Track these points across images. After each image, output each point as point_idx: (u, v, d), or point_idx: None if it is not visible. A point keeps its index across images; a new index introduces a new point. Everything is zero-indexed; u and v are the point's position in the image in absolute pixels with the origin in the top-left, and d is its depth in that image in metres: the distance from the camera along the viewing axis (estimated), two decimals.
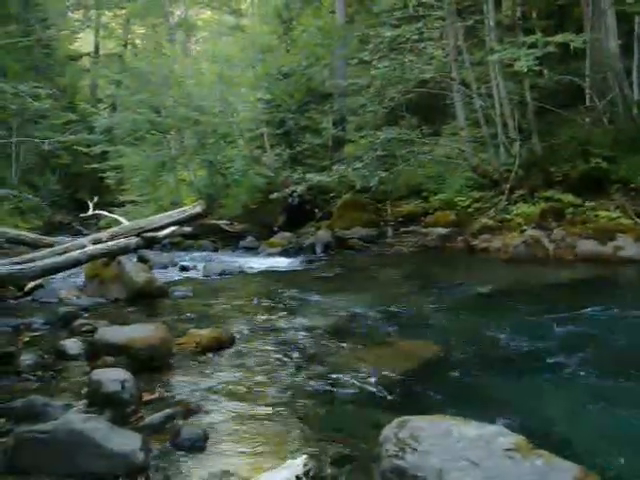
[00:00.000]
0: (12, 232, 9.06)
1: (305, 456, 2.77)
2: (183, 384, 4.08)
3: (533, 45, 10.78)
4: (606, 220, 10.09)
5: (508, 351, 4.79)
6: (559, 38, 10.59)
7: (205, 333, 5.06)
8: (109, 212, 14.79)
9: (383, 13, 14.33)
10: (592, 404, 3.61)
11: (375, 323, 5.97)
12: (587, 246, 9.59)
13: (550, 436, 3.11)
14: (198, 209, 9.16)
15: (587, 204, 10.68)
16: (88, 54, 33.28)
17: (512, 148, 12.52)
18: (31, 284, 7.59)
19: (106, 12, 32.88)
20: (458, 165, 13.76)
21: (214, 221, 16.13)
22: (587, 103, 12.66)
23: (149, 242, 8.66)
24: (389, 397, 3.80)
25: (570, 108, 12.85)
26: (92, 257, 7.46)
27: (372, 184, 13.07)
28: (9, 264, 6.74)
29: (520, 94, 12.60)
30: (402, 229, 13.44)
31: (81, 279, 8.26)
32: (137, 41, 34.02)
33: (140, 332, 4.65)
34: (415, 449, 2.26)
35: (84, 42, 33.07)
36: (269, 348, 4.96)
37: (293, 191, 14.14)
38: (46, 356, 4.75)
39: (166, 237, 9.33)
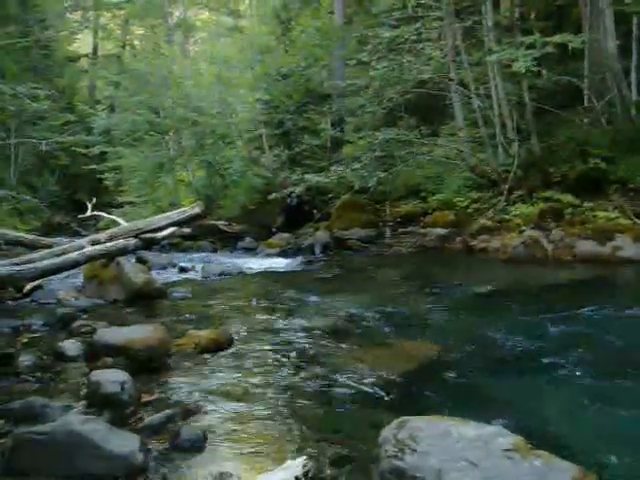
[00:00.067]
0: (11, 233, 9.05)
1: (304, 457, 2.77)
2: (182, 385, 4.08)
3: (531, 46, 10.78)
4: (605, 220, 10.10)
5: (507, 351, 4.80)
6: (557, 39, 10.60)
7: (204, 334, 5.06)
8: (108, 213, 14.81)
9: (382, 14, 14.36)
10: (591, 404, 3.62)
11: (374, 324, 5.97)
12: (586, 246, 9.60)
13: (549, 436, 3.11)
14: (197, 210, 9.18)
15: (586, 204, 10.69)
16: (87, 55, 33.26)
17: (511, 148, 12.53)
18: (30, 285, 7.59)
19: (105, 13, 32.85)
20: (456, 165, 13.76)
21: (213, 222, 16.14)
22: (585, 104, 12.67)
23: (148, 243, 8.66)
24: (388, 398, 3.80)
25: (568, 109, 12.87)
26: (91, 258, 7.46)
27: (371, 185, 13.07)
28: (8, 265, 6.74)
29: (518, 94, 12.61)
30: (401, 229, 13.44)
31: (80, 280, 8.25)
32: (136, 42, 33.98)
33: (139, 333, 4.65)
34: (414, 450, 2.26)
35: (82, 43, 33.06)
36: (268, 349, 4.96)
37: (292, 192, 14.15)
38: (45, 357, 4.75)
39: (165, 238, 9.33)
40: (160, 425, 3.34)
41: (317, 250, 12.73)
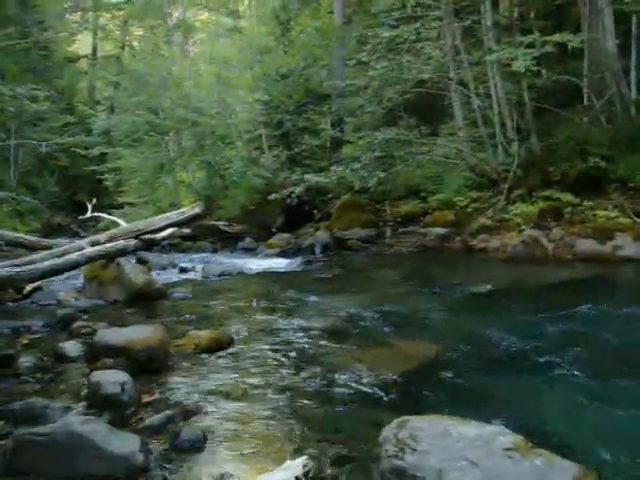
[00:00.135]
0: (11, 234, 9.06)
1: (304, 457, 2.77)
2: (182, 385, 4.08)
3: (531, 45, 10.78)
4: (604, 219, 10.10)
5: (506, 351, 4.79)
6: (557, 38, 10.60)
7: (204, 334, 5.06)
8: (108, 214, 14.81)
9: (381, 14, 14.34)
10: (591, 403, 3.61)
11: (374, 324, 5.97)
12: (586, 245, 9.60)
13: (549, 435, 3.11)
14: (197, 210, 9.19)
15: (585, 203, 10.69)
16: (86, 56, 33.24)
17: (510, 148, 12.53)
18: (30, 286, 7.59)
19: (104, 14, 32.85)
20: (456, 165, 13.76)
21: (213, 222, 16.15)
22: (585, 103, 12.67)
23: (148, 244, 8.67)
24: (388, 398, 3.80)
25: (568, 108, 12.86)
26: (91, 259, 7.47)
27: (370, 185, 13.06)
28: (8, 267, 6.74)
29: (518, 94, 12.61)
30: (401, 229, 13.44)
31: (80, 281, 8.26)
32: (135, 43, 33.96)
33: (139, 334, 4.65)
34: (414, 449, 2.26)
35: (82, 44, 33.04)
36: (268, 349, 4.95)
37: (291, 192, 14.14)
38: (45, 358, 4.75)
39: (165, 239, 9.33)
40: (160, 426, 3.34)
41: (317, 250, 12.73)
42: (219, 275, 9.73)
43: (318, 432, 3.27)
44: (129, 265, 7.86)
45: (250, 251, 13.97)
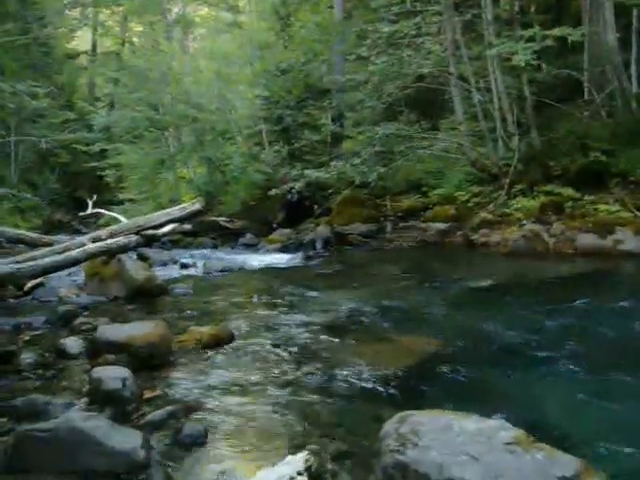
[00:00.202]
0: (12, 231, 9.08)
1: (306, 452, 2.77)
2: (184, 381, 4.08)
3: (531, 39, 10.77)
4: (605, 214, 10.09)
5: (507, 345, 4.79)
6: (557, 32, 10.58)
7: (205, 330, 5.06)
8: (108, 210, 14.82)
9: (381, 8, 14.27)
10: (592, 397, 3.62)
11: (375, 319, 5.97)
12: (587, 240, 9.59)
13: (551, 430, 3.11)
14: (197, 206, 9.19)
15: (586, 198, 10.68)
16: (86, 52, 33.21)
17: (511, 142, 12.51)
18: (31, 283, 7.59)
19: (103, 10, 32.79)
20: (457, 160, 13.74)
21: (213, 218, 16.17)
22: (586, 97, 12.65)
23: (149, 240, 8.68)
24: (389, 392, 3.80)
25: (569, 102, 12.84)
26: (92, 255, 7.47)
27: (371, 180, 13.05)
28: (9, 263, 6.74)
29: (518, 88, 12.59)
30: (401, 224, 13.43)
31: (81, 277, 8.26)
32: (135, 39, 33.90)
33: (140, 330, 4.66)
34: (416, 444, 2.26)
35: (81, 40, 32.99)
36: (269, 344, 4.96)
37: (292, 187, 14.13)
38: (46, 355, 4.75)
39: (165, 235, 9.33)
40: (162, 421, 3.35)
41: (318, 245, 12.74)
42: (220, 271, 9.73)
43: (319, 427, 3.28)
44: (130, 261, 7.86)
45: (251, 247, 13.97)
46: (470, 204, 12.59)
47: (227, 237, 15.40)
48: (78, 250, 7.31)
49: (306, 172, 13.66)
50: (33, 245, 8.44)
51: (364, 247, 12.53)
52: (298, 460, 2.68)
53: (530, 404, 3.59)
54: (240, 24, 27.08)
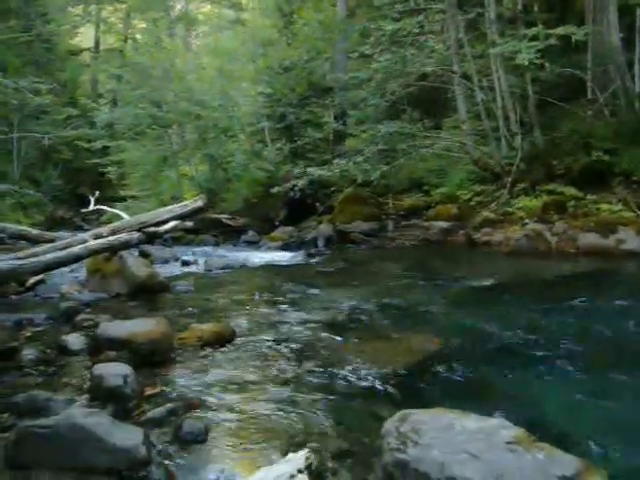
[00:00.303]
0: (14, 227, 9.07)
1: (307, 450, 2.77)
2: (185, 378, 4.08)
3: (534, 38, 10.76)
4: (608, 213, 10.10)
5: (509, 344, 4.79)
6: (560, 31, 10.57)
7: (207, 328, 5.06)
8: (110, 207, 14.83)
9: (384, 6, 14.27)
10: (594, 396, 3.61)
11: (376, 317, 5.97)
12: (589, 239, 9.59)
13: (551, 429, 3.11)
14: (199, 203, 9.18)
15: (589, 197, 10.68)
16: (88, 49, 33.23)
17: (514, 141, 12.51)
18: (33, 279, 7.60)
19: (106, 6, 32.80)
20: (460, 158, 13.75)
21: (215, 215, 16.17)
22: (589, 96, 12.64)
23: (150, 237, 8.66)
24: (390, 391, 3.80)
25: (572, 101, 12.83)
26: (93, 252, 7.46)
27: (373, 178, 13.05)
28: (11, 259, 6.75)
29: (521, 87, 12.58)
30: (403, 223, 13.45)
31: (83, 274, 8.26)
32: (137, 35, 33.90)
33: (142, 327, 4.66)
34: (417, 442, 2.26)
35: (84, 37, 33.03)
36: (270, 342, 4.96)
37: (294, 185, 14.13)
38: (48, 351, 4.75)
39: (167, 232, 9.32)
40: (163, 418, 3.35)
41: (320, 243, 12.74)
42: (222, 268, 9.73)
43: (320, 425, 3.28)
44: (132, 258, 7.86)
45: (253, 244, 13.98)
46: (472, 203, 12.60)
47: (229, 234, 15.41)
48: (80, 247, 7.30)
49: (309, 170, 13.66)
50: (35, 241, 8.44)
51: (366, 245, 12.54)
52: (299, 458, 2.68)
53: (530, 403, 3.59)
54: (243, 21, 27.11)
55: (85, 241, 7.59)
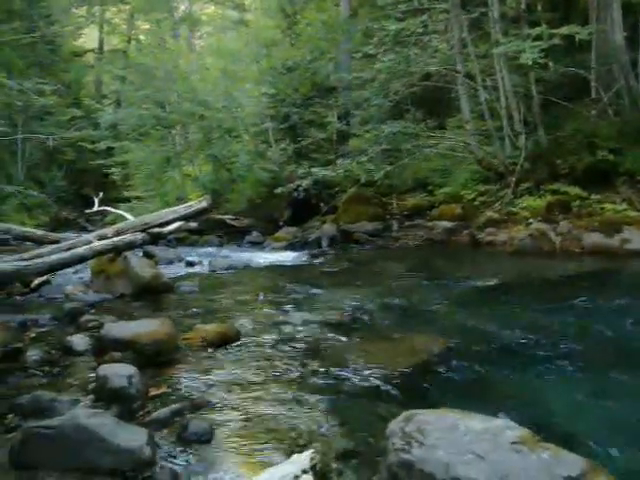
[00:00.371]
0: (18, 229, 9.09)
1: (311, 450, 2.77)
2: (189, 379, 4.09)
3: (538, 37, 10.74)
4: (612, 213, 10.07)
5: (513, 345, 4.78)
6: (564, 30, 10.55)
7: (211, 328, 5.06)
8: (114, 208, 14.85)
9: (387, 6, 14.26)
10: (599, 397, 3.61)
11: (380, 317, 5.96)
12: (593, 239, 9.58)
13: (556, 429, 3.10)
14: (204, 204, 9.19)
15: (593, 197, 10.66)
16: (92, 50, 33.25)
17: (517, 141, 12.48)
18: (37, 280, 7.61)
19: (110, 8, 32.85)
20: (463, 158, 13.73)
21: (219, 216, 16.17)
22: (593, 95, 12.60)
23: (155, 238, 8.68)
24: (395, 391, 3.80)
25: (575, 101, 12.80)
26: (98, 253, 7.47)
27: (377, 178, 13.06)
28: (16, 260, 6.76)
29: (525, 87, 12.55)
30: (407, 223, 13.44)
31: (87, 275, 8.28)
32: (141, 37, 33.93)
33: (146, 327, 4.66)
34: (422, 443, 2.25)
35: (88, 38, 33.06)
36: (275, 343, 4.96)
37: (298, 185, 14.14)
38: (53, 352, 4.76)
39: (172, 232, 9.33)
40: (167, 419, 3.35)
41: (324, 243, 12.74)
42: (226, 269, 9.74)
43: (325, 425, 3.28)
44: (136, 259, 7.87)
45: (257, 245, 13.99)
46: (476, 203, 12.58)
47: (233, 235, 15.42)
48: (84, 247, 7.31)
49: (312, 170, 13.67)
50: (39, 242, 8.46)
51: (370, 245, 12.53)
52: (303, 458, 2.68)
53: (535, 403, 3.58)
54: (246, 22, 27.11)
55: (89, 242, 7.61)
